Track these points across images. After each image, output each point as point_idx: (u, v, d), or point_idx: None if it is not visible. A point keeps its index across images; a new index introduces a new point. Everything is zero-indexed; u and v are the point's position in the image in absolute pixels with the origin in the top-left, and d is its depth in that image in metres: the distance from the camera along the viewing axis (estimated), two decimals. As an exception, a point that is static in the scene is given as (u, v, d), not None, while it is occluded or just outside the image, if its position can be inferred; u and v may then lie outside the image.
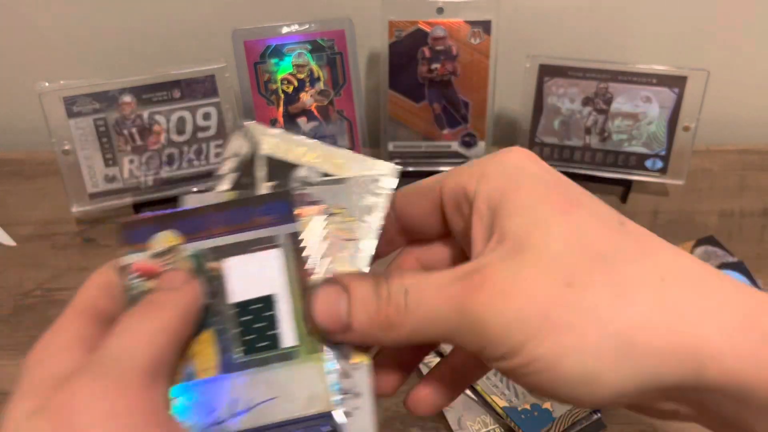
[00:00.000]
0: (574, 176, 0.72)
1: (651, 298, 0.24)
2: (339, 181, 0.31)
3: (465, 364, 0.31)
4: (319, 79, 0.65)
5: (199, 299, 0.28)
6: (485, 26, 0.65)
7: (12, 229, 0.65)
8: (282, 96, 0.66)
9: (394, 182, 0.31)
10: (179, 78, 0.64)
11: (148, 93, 0.64)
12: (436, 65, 0.66)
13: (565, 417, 0.47)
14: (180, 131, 0.65)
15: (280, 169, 0.32)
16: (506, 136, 0.76)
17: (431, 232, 0.31)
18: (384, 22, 0.65)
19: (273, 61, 0.64)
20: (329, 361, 0.28)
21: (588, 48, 0.72)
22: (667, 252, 0.25)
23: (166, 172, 0.66)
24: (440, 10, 0.65)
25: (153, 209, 0.31)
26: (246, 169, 0.32)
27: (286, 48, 0.64)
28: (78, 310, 0.28)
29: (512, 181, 0.27)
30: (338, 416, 0.28)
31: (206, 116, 0.65)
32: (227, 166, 0.32)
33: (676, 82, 0.65)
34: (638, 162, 0.67)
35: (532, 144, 0.68)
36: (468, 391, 0.49)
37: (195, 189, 0.66)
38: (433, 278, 0.26)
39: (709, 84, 0.64)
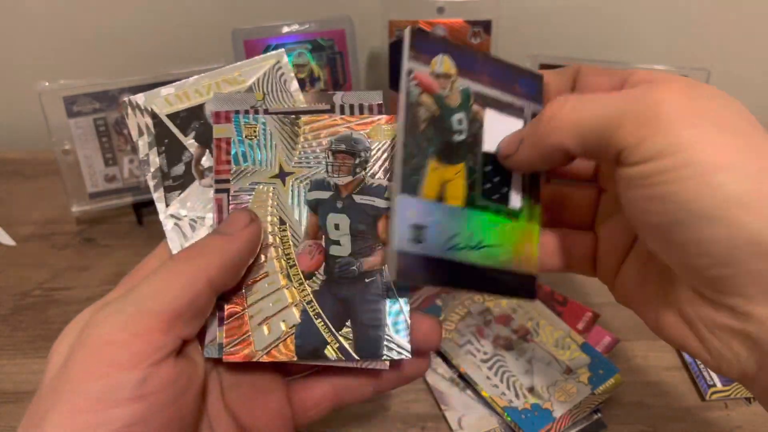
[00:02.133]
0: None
1: None
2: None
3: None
4: (319, 78, 0.65)
5: (254, 245, 0.31)
6: (485, 26, 0.65)
7: (12, 229, 0.65)
8: (282, 96, 0.66)
9: None
10: (179, 78, 0.64)
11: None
12: (436, 65, 0.66)
13: (565, 417, 0.46)
14: (180, 131, 0.65)
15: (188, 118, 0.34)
16: (506, 136, 0.76)
17: None
18: (384, 22, 0.65)
19: (273, 61, 0.64)
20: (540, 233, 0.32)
21: (588, 48, 0.72)
22: None
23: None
24: (440, 10, 0.65)
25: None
26: (161, 136, 0.34)
27: (286, 48, 0.64)
28: (165, 245, 0.33)
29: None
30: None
31: (206, 116, 0.66)
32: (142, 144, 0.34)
33: (676, 82, 0.65)
34: (638, 162, 0.67)
35: (533, 144, 0.68)
36: (468, 391, 0.49)
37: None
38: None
39: (709, 84, 0.64)
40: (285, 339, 0.31)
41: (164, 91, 0.34)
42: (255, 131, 0.32)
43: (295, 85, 0.35)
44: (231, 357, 0.31)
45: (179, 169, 0.33)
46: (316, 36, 0.64)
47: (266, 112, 0.33)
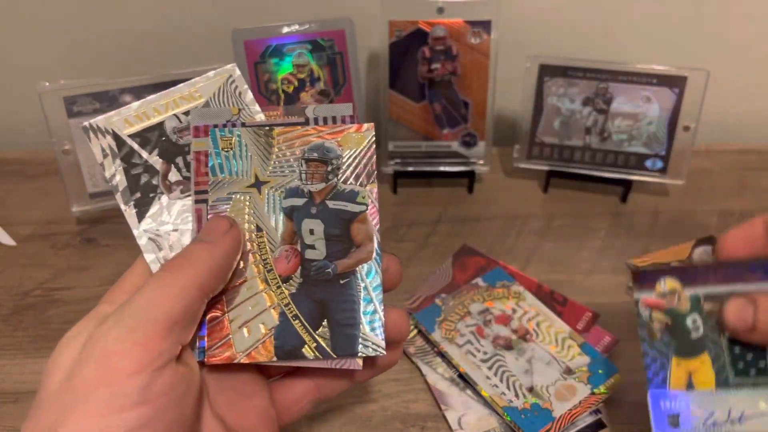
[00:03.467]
0: (574, 176, 0.72)
1: None
2: None
3: None
4: (319, 78, 0.65)
5: (237, 248, 0.32)
6: (485, 26, 0.65)
7: (12, 229, 0.65)
8: (282, 96, 0.66)
9: None
10: (179, 78, 0.64)
11: (148, 93, 0.63)
12: (436, 65, 0.66)
13: (565, 416, 0.47)
14: (180, 131, 0.65)
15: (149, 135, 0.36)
16: (506, 136, 0.76)
17: None
18: (384, 22, 0.65)
19: (273, 60, 0.64)
20: None
21: (588, 48, 0.72)
22: None
23: (166, 172, 0.66)
24: (440, 10, 0.65)
25: None
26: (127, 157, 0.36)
27: (286, 48, 0.64)
28: (142, 259, 0.35)
29: None
30: None
31: (206, 116, 0.66)
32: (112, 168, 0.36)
33: (676, 82, 0.65)
34: (638, 162, 0.67)
35: (532, 144, 0.68)
36: (468, 391, 0.49)
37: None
38: None
39: (709, 84, 0.64)
40: (264, 340, 0.33)
41: (123, 112, 0.36)
42: (231, 143, 0.34)
43: (249, 96, 0.37)
44: (213, 359, 0.32)
45: (147, 186, 0.35)
46: (316, 36, 0.64)
47: (243, 125, 0.35)
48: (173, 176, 0.36)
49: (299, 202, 0.34)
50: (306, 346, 0.33)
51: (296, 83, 0.65)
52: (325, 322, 0.33)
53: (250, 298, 0.33)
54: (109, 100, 0.63)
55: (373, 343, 0.33)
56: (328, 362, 0.33)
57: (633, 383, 0.50)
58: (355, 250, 0.34)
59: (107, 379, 0.27)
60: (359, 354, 0.33)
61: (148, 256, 0.34)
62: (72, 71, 0.72)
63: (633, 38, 0.74)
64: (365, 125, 0.35)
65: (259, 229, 0.34)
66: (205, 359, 0.32)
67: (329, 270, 0.33)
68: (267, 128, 0.35)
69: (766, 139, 0.78)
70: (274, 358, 0.33)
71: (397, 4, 0.65)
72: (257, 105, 0.37)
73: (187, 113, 0.36)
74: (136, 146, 0.36)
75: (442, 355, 0.51)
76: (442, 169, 0.69)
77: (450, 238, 0.64)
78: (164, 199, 0.35)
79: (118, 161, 0.36)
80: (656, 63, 0.65)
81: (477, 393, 0.49)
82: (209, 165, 0.34)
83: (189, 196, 0.35)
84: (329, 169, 0.34)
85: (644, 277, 0.38)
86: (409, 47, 0.66)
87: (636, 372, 0.51)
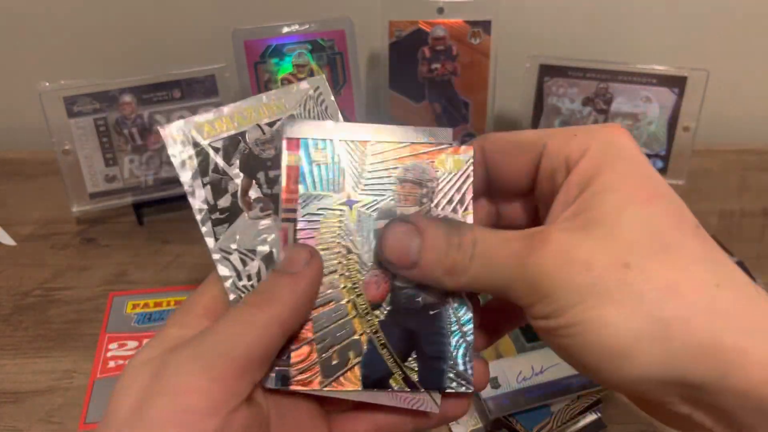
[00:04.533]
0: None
1: (702, 298, 0.25)
2: None
3: (500, 315, 0.34)
4: (319, 79, 0.65)
5: (318, 280, 0.30)
6: (485, 26, 0.65)
7: (12, 229, 0.65)
8: (282, 96, 0.65)
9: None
10: (179, 78, 0.64)
11: (148, 93, 0.64)
12: (436, 65, 0.66)
13: (563, 412, 0.47)
14: (180, 131, 0.65)
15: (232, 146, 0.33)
16: (506, 136, 0.76)
17: (515, 188, 0.32)
18: (384, 22, 0.65)
19: (273, 61, 0.64)
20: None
21: (588, 48, 0.72)
22: (728, 265, 0.26)
23: (166, 172, 0.66)
24: (440, 10, 0.65)
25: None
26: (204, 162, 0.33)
27: (286, 48, 0.64)
28: (215, 279, 0.32)
29: (608, 161, 0.28)
30: None
31: (206, 116, 0.65)
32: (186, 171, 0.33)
33: (676, 82, 0.65)
34: (638, 162, 0.67)
35: (532, 144, 0.68)
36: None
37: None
38: (501, 234, 0.28)
39: (709, 84, 0.64)
40: (352, 368, 0.31)
41: (202, 117, 0.33)
42: (325, 157, 0.32)
43: (334, 107, 0.34)
44: (297, 386, 0.31)
45: (225, 201, 0.32)
46: (316, 36, 0.64)
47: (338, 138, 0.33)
48: (253, 193, 0.33)
49: None
50: (393, 376, 0.31)
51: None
52: (414, 353, 0.31)
53: (338, 322, 0.31)
54: (109, 100, 0.63)
55: (461, 378, 0.31)
56: (406, 401, 0.32)
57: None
58: None
59: (182, 419, 0.25)
60: (447, 389, 0.31)
61: (224, 278, 0.32)
62: (72, 71, 0.72)
63: (633, 38, 0.74)
64: (463, 147, 0.32)
65: (348, 250, 0.32)
66: (290, 386, 0.30)
67: (419, 300, 0.32)
68: (361, 142, 0.32)
69: (766, 139, 0.78)
70: (360, 387, 0.31)
71: (397, 4, 0.65)
72: (341, 117, 0.34)
73: (271, 124, 0.33)
74: (217, 157, 0.33)
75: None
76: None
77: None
78: (243, 217, 0.32)
79: (196, 172, 0.32)
80: (656, 63, 0.65)
81: (477, 393, 0.49)
82: (299, 179, 0.32)
83: (269, 215, 0.33)
84: (423, 192, 0.32)
85: None
86: (409, 47, 0.66)
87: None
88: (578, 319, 0.25)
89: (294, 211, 0.32)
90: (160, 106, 0.64)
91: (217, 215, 0.32)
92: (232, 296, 0.31)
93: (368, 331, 0.31)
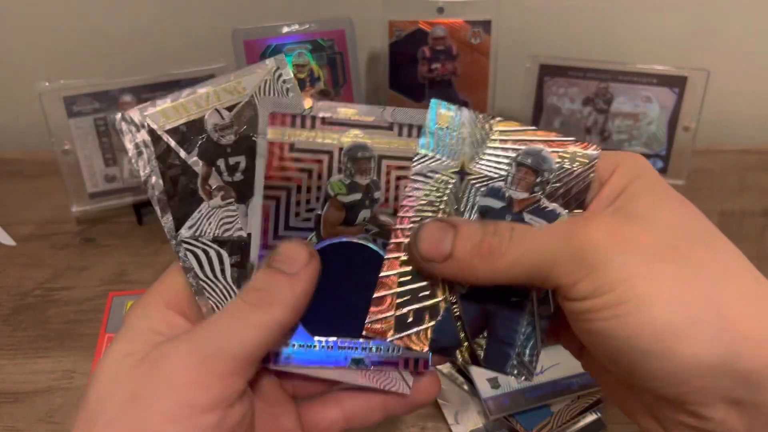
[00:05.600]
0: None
1: (751, 286, 0.25)
2: None
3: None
4: (319, 78, 0.65)
5: (315, 280, 0.30)
6: (485, 26, 0.65)
7: (12, 228, 0.65)
8: (282, 96, 0.66)
9: None
10: (179, 78, 0.64)
11: (148, 93, 0.64)
12: (436, 65, 0.66)
13: (563, 412, 0.47)
14: (180, 131, 0.65)
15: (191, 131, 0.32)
16: (506, 136, 0.76)
17: None
18: (384, 22, 0.65)
19: (273, 61, 0.64)
20: None
21: (588, 48, 0.72)
22: (752, 265, 0.27)
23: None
24: (440, 10, 0.65)
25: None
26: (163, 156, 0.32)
27: (287, 48, 0.64)
28: (177, 270, 0.31)
29: (639, 174, 0.29)
30: None
31: (206, 116, 0.65)
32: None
33: (676, 82, 0.65)
34: (638, 162, 0.67)
35: (532, 144, 0.68)
36: (465, 386, 0.49)
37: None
38: (539, 226, 0.29)
39: (709, 84, 0.64)
40: (426, 329, 0.31)
41: (159, 103, 0.32)
42: (450, 121, 0.32)
43: (297, 92, 0.33)
44: (368, 331, 0.31)
45: (185, 190, 0.32)
46: (316, 36, 0.64)
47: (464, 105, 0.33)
48: (213, 181, 0.32)
49: (497, 204, 0.31)
50: (461, 349, 0.31)
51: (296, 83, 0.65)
52: (485, 333, 0.31)
53: (423, 284, 0.31)
54: (109, 100, 0.63)
55: (525, 369, 0.31)
56: (377, 381, 0.32)
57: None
58: None
59: (182, 413, 0.26)
60: (508, 373, 0.31)
61: (186, 269, 0.31)
62: (72, 71, 0.72)
63: (633, 38, 0.74)
64: (592, 145, 0.31)
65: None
66: (364, 331, 0.31)
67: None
68: (486, 115, 0.31)
69: (766, 139, 0.78)
70: (426, 349, 0.31)
71: (397, 4, 0.65)
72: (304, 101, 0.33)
73: (230, 108, 0.32)
74: (173, 144, 0.32)
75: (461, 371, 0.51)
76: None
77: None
78: (203, 205, 0.32)
79: (154, 160, 0.31)
80: (656, 63, 0.65)
81: (474, 388, 0.49)
82: (420, 140, 0.31)
83: (230, 203, 0.32)
84: (538, 180, 0.31)
85: None
86: (409, 47, 0.66)
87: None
88: (628, 296, 0.24)
89: (278, 188, 0.31)
90: (160, 106, 0.64)
91: (176, 204, 0.31)
92: (194, 287, 0.31)
93: (448, 299, 0.31)
